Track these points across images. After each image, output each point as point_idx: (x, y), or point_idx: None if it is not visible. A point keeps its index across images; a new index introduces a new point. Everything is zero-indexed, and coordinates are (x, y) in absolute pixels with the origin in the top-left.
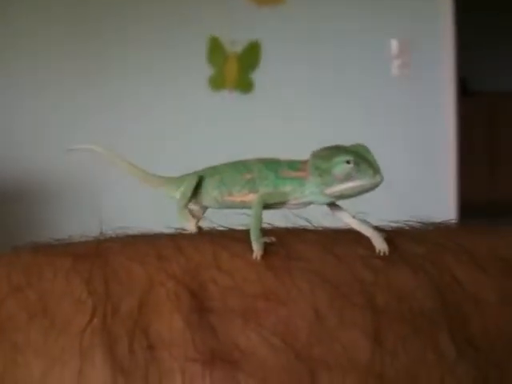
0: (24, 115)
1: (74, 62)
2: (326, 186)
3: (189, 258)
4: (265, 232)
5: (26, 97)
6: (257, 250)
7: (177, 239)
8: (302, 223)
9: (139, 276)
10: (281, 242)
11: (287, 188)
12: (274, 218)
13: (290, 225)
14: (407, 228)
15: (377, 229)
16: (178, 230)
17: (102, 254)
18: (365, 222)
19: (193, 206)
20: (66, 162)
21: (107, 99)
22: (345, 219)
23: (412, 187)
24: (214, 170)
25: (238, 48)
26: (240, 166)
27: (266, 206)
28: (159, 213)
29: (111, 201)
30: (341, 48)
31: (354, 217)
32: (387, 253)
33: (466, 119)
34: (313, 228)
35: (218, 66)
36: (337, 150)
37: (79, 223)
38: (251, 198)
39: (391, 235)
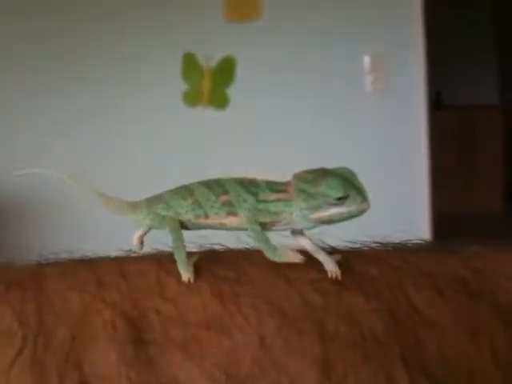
0: None
1: (46, 75)
2: (311, 210)
3: (131, 284)
4: (214, 253)
5: None
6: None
7: (121, 263)
8: (254, 244)
9: (75, 305)
10: (232, 264)
11: (272, 210)
12: (227, 239)
13: (241, 246)
14: (365, 248)
15: (333, 250)
16: (127, 253)
17: (37, 281)
18: (318, 244)
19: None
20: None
21: (80, 114)
22: (300, 241)
23: (386, 201)
24: (185, 191)
25: (213, 63)
26: (215, 187)
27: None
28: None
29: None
30: (315, 64)
31: (309, 239)
32: (339, 276)
33: (440, 133)
34: None
35: (193, 81)
36: (323, 173)
37: (29, 243)
38: (230, 220)
39: (347, 256)
